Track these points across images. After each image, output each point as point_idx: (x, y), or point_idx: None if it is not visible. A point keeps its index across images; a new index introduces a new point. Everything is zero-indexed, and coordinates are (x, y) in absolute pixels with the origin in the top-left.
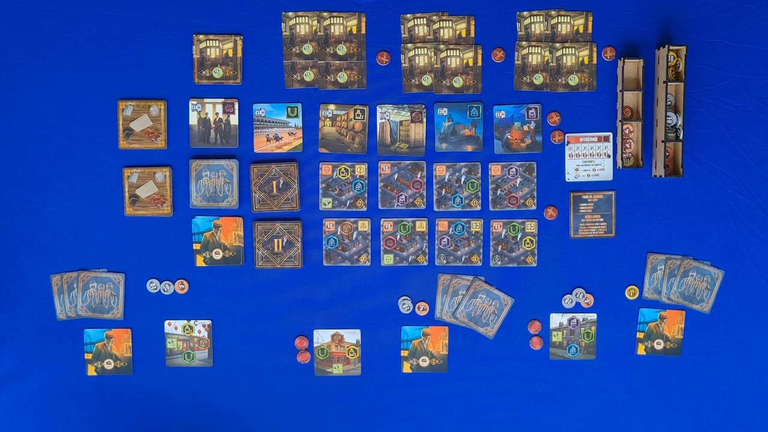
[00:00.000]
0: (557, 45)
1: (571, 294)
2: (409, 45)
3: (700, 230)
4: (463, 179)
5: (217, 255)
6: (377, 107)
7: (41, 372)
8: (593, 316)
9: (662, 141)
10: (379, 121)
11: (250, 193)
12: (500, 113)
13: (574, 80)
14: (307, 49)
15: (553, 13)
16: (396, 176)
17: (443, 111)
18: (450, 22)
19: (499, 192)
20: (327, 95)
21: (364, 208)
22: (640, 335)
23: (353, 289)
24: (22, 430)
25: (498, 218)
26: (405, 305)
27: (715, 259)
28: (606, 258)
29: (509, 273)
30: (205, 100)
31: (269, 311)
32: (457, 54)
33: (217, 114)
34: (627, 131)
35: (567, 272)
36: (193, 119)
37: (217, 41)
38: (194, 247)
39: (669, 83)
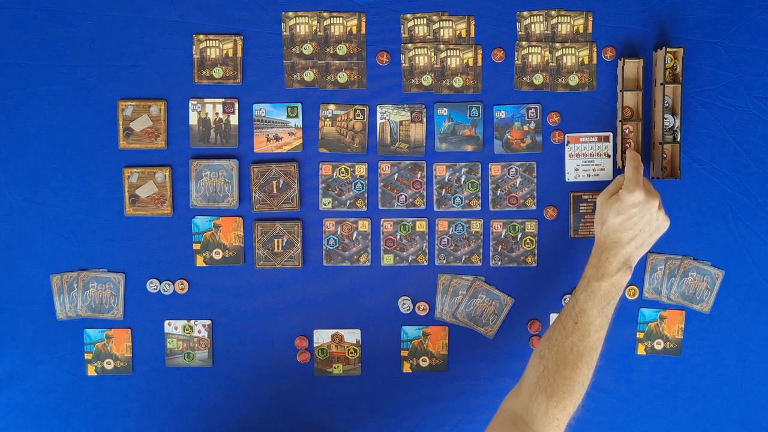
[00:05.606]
0: (557, 45)
1: (571, 294)
2: (409, 45)
3: (700, 230)
4: (463, 179)
5: (217, 255)
6: (377, 107)
7: (41, 372)
8: None
9: (659, 143)
10: (379, 121)
11: (250, 193)
12: (500, 113)
13: (574, 80)
14: (307, 49)
15: (553, 13)
16: (396, 176)
17: (443, 111)
18: (450, 22)
19: (499, 192)
20: (327, 95)
21: (364, 208)
22: (640, 335)
23: (353, 289)
24: (22, 430)
25: (498, 218)
26: (405, 305)
27: (715, 259)
28: None
29: (509, 273)
30: (205, 100)
31: (269, 311)
32: (457, 54)
33: (217, 114)
34: (627, 131)
35: (567, 272)
36: (193, 119)
37: (217, 41)
38: (194, 247)
39: (666, 85)
